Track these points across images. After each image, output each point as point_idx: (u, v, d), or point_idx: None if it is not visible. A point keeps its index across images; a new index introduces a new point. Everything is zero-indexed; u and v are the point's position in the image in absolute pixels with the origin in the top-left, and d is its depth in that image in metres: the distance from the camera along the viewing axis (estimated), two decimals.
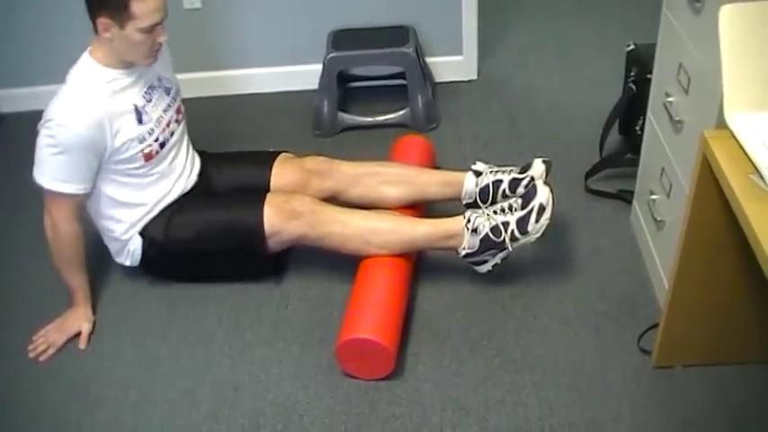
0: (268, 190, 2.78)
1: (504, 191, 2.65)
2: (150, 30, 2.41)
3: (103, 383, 2.51)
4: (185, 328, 2.68)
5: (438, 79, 3.88)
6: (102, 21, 2.38)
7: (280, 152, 2.92)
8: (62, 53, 2.51)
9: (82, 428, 2.38)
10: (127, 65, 2.52)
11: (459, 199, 2.75)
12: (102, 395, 2.47)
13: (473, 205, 2.69)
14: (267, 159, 2.87)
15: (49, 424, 2.41)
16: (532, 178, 2.58)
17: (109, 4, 2.34)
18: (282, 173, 2.83)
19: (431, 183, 2.78)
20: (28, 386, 2.53)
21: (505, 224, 2.49)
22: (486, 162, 2.78)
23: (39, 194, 2.52)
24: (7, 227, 3.19)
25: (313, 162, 2.84)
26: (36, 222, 2.58)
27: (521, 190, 2.58)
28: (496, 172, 2.70)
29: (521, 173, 2.67)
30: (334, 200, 2.76)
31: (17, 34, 3.71)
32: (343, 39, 3.64)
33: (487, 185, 2.68)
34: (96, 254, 2.77)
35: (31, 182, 2.50)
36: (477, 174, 2.72)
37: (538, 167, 2.63)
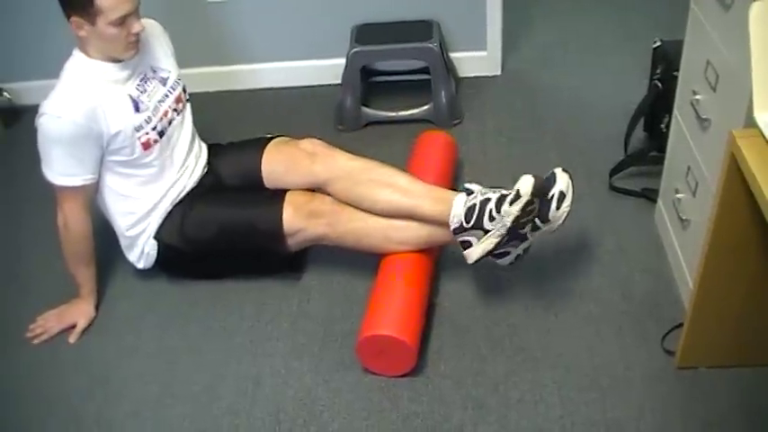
0: (260, 175, 2.79)
1: (491, 211, 2.43)
2: (121, 21, 2.40)
3: (124, 377, 2.52)
4: (205, 322, 2.68)
5: (462, 74, 3.87)
6: (75, 20, 2.39)
7: (276, 136, 2.89)
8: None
9: (102, 422, 2.39)
10: (114, 59, 2.52)
11: (447, 222, 2.53)
12: (122, 389, 2.48)
13: (459, 230, 2.49)
14: (260, 143, 2.85)
15: (70, 416, 2.42)
16: (518, 191, 2.37)
17: (75, 2, 2.35)
18: (275, 157, 2.80)
19: (421, 194, 2.58)
20: (48, 378, 2.54)
21: None
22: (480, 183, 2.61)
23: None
24: (29, 219, 3.21)
25: (309, 144, 2.79)
26: (55, 214, 2.58)
27: (505, 207, 2.38)
28: (486, 192, 2.51)
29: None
30: (319, 191, 2.69)
31: (35, 27, 3.74)
32: (366, 33, 3.63)
33: (474, 205, 2.48)
34: (115, 248, 2.77)
35: None
36: (469, 193, 2.54)
37: (525, 182, 2.39)
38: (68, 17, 2.40)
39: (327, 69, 3.80)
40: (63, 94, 2.45)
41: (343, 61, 3.57)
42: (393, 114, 3.59)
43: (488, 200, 2.43)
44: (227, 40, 3.83)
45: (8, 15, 3.73)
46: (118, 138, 2.51)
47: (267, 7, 3.73)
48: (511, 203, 2.36)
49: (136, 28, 2.46)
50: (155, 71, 2.67)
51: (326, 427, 2.30)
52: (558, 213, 2.41)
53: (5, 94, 3.90)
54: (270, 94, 3.92)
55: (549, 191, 2.41)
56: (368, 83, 3.79)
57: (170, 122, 2.68)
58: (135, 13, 2.45)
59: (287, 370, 2.49)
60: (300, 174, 2.72)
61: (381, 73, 3.87)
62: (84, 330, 2.68)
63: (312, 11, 3.74)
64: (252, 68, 3.92)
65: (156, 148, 2.62)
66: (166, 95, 2.68)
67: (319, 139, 2.81)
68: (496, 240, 2.43)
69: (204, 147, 2.89)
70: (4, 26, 3.76)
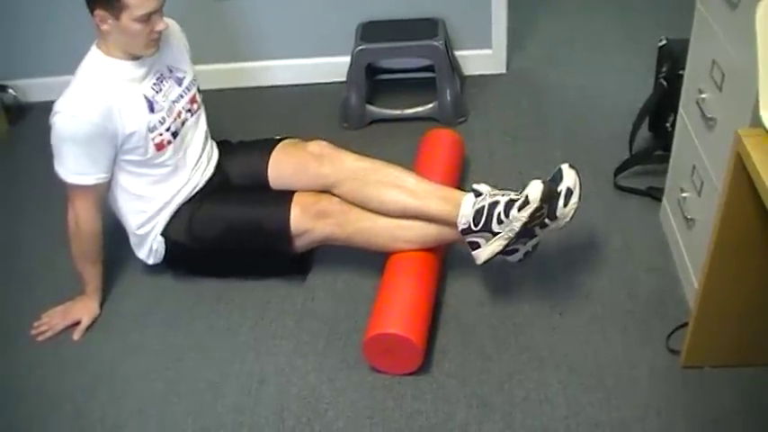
0: (267, 177, 2.78)
1: (499, 214, 2.43)
2: (146, 18, 2.40)
3: (128, 375, 2.52)
4: (210, 320, 2.68)
5: (467, 72, 3.86)
6: (99, 13, 2.38)
7: (284, 138, 2.88)
8: (89, 42, 2.52)
9: (106, 419, 2.39)
10: (133, 56, 2.52)
11: (455, 222, 2.52)
12: (126, 386, 2.48)
13: (467, 231, 2.50)
14: (268, 146, 2.84)
15: (74, 414, 2.42)
16: (527, 197, 2.37)
17: None
18: (283, 159, 2.79)
19: (429, 194, 2.58)
20: (52, 376, 2.54)
21: None
22: (490, 185, 2.60)
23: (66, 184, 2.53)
24: (32, 216, 3.21)
25: (316, 146, 2.77)
26: (65, 212, 2.59)
27: (514, 212, 2.39)
28: (494, 195, 2.50)
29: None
30: (328, 192, 2.68)
31: (40, 23, 3.74)
32: (371, 31, 3.63)
33: (483, 207, 2.47)
34: (122, 246, 2.78)
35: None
36: (478, 194, 2.54)
37: (534, 189, 2.37)
38: (92, 10, 2.39)
39: (332, 67, 3.80)
40: (79, 93, 2.45)
41: (348, 59, 3.57)
42: (398, 112, 3.58)
43: (497, 203, 2.43)
44: (232, 37, 3.83)
45: (13, 12, 3.73)
46: (132, 138, 2.51)
47: (272, 5, 3.72)
48: (519, 209, 2.37)
49: (160, 26, 2.46)
50: (171, 70, 2.67)
51: (330, 425, 2.30)
52: (566, 210, 2.41)
53: (11, 91, 3.90)
54: (275, 92, 3.92)
55: (557, 188, 2.41)
56: (373, 81, 3.79)
57: (183, 123, 2.68)
58: (159, 11, 2.45)
59: (291, 368, 2.48)
60: (308, 176, 2.71)
61: (386, 71, 3.86)
62: (89, 328, 2.68)
63: (317, 8, 3.73)
64: (256, 66, 3.92)
65: (170, 148, 2.62)
66: (181, 96, 2.68)
67: (326, 140, 2.80)
68: (505, 242, 2.43)
69: (215, 147, 2.89)
70: (9, 23, 3.76)
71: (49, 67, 3.73)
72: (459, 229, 2.49)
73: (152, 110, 2.55)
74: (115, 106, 2.45)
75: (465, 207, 2.49)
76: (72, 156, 2.46)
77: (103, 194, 2.61)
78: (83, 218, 2.56)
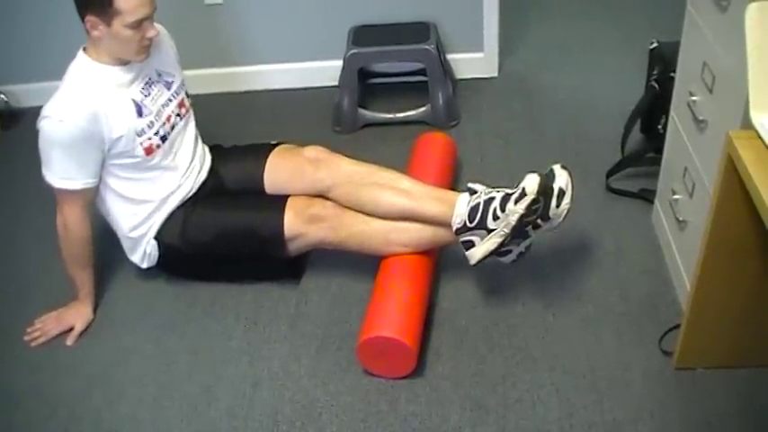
0: (262, 182, 2.78)
1: (495, 210, 2.44)
2: (138, 25, 2.40)
3: (122, 378, 2.52)
4: (203, 324, 2.68)
5: (459, 76, 3.87)
6: (90, 19, 2.38)
7: (280, 143, 2.89)
8: (80, 47, 2.52)
9: (101, 423, 2.39)
10: (121, 61, 2.52)
11: (449, 223, 2.52)
12: (120, 390, 2.48)
13: (462, 230, 2.50)
14: (264, 151, 2.84)
15: (69, 418, 2.42)
16: (524, 189, 2.39)
17: (93, 2, 2.35)
18: (279, 164, 2.79)
19: (424, 195, 2.59)
20: (47, 380, 2.54)
21: None
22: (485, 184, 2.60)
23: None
24: (27, 222, 3.21)
25: (312, 150, 2.79)
26: (55, 217, 2.58)
27: (510, 206, 2.40)
28: (489, 191, 2.51)
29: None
30: (322, 197, 2.69)
31: (33, 29, 3.74)
32: (363, 35, 3.63)
33: (478, 204, 2.48)
34: (114, 250, 2.78)
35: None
36: (473, 192, 2.55)
37: (531, 181, 2.39)
38: (83, 16, 2.39)
39: (324, 71, 3.80)
40: (66, 98, 2.44)
41: (340, 63, 3.57)
42: (390, 116, 3.59)
43: (492, 199, 2.44)
44: (223, 42, 3.83)
45: (6, 18, 3.73)
46: (120, 142, 2.50)
47: (264, 9, 3.73)
48: (516, 202, 2.37)
49: (151, 33, 2.46)
50: (160, 75, 2.67)
51: (324, 429, 2.30)
52: (559, 210, 2.41)
53: (2, 96, 3.90)
54: (267, 96, 3.92)
55: (551, 185, 2.41)
56: (365, 84, 3.79)
57: (173, 127, 2.67)
58: (151, 18, 2.45)
59: (285, 372, 2.48)
60: (304, 181, 2.72)
61: (378, 75, 3.87)
62: (82, 333, 2.68)
63: (309, 13, 3.74)
64: (248, 70, 3.92)
65: (159, 152, 2.62)
66: (170, 100, 2.68)
67: (322, 146, 2.81)
68: (500, 240, 2.43)
69: (207, 150, 2.89)
70: (2, 29, 3.76)
71: (42, 72, 3.72)
72: (454, 228, 2.50)
73: (140, 114, 2.54)
74: (102, 111, 2.44)
75: (460, 206, 2.49)
76: (59, 160, 2.46)
77: (92, 199, 2.60)
78: (71, 222, 2.56)
